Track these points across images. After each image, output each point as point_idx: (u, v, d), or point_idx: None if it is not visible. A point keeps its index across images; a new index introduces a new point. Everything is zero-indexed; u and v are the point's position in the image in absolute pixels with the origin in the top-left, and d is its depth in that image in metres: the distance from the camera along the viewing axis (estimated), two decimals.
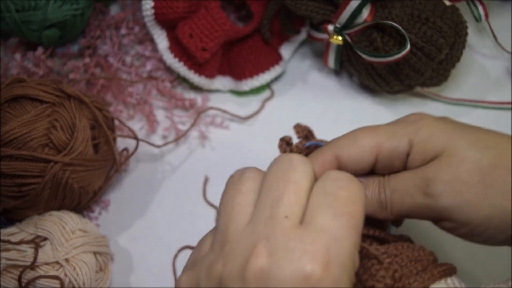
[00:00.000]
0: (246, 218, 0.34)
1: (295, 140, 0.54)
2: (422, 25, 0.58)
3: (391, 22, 0.58)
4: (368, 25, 0.59)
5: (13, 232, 0.54)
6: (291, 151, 0.52)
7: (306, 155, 0.49)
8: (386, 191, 0.43)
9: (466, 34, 0.61)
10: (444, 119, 0.44)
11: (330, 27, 0.61)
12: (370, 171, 0.44)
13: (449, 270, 0.44)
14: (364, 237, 0.46)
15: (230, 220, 0.34)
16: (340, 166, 0.42)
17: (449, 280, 0.44)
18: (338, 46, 0.63)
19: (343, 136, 0.44)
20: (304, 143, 0.52)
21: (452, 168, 0.41)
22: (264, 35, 0.66)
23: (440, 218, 0.42)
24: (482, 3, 0.64)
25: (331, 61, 0.66)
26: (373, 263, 0.42)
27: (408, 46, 0.56)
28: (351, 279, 0.33)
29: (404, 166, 0.43)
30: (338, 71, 0.69)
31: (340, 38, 0.62)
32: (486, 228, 0.41)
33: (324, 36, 0.63)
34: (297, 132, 0.56)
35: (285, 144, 0.53)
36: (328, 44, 0.64)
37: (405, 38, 0.56)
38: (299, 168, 0.35)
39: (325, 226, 0.32)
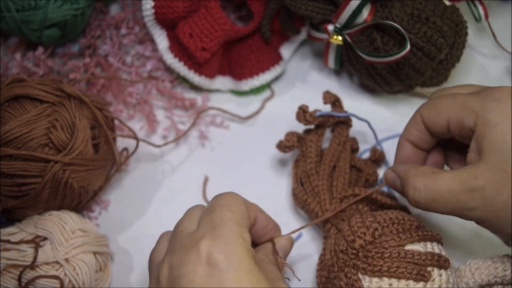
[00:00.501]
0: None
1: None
2: (422, 25, 0.58)
3: (391, 22, 0.58)
4: (368, 25, 0.59)
5: (13, 232, 0.54)
6: (305, 118, 0.59)
7: (316, 125, 0.59)
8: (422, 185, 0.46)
9: (466, 34, 0.61)
10: None
11: (330, 27, 0.62)
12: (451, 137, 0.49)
13: (430, 236, 0.48)
14: (363, 200, 0.55)
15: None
16: (424, 126, 0.50)
17: (428, 244, 0.47)
18: (338, 46, 0.63)
19: (430, 99, 0.51)
20: (315, 112, 0.58)
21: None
22: (264, 34, 0.66)
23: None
24: (482, 3, 0.64)
25: (331, 61, 0.66)
26: (357, 221, 0.48)
27: (408, 46, 0.56)
28: (243, 245, 0.43)
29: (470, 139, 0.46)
30: (338, 71, 0.69)
31: (340, 38, 0.62)
32: None
33: (324, 36, 0.63)
34: (324, 98, 0.60)
35: (302, 111, 0.59)
36: (328, 44, 0.64)
37: (405, 38, 0.56)
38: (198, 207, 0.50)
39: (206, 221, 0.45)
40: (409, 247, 0.47)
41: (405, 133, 0.51)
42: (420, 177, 0.46)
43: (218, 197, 0.48)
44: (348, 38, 0.61)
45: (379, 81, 0.63)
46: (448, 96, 0.48)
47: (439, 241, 0.49)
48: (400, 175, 0.49)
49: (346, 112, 0.60)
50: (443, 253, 0.48)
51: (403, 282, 0.45)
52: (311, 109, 0.59)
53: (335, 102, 0.60)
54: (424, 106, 0.50)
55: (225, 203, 0.46)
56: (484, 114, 0.44)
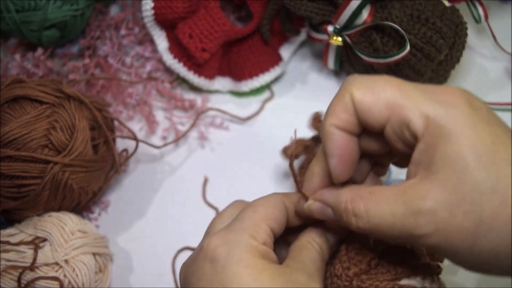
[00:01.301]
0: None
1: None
2: (422, 26, 0.58)
3: (390, 23, 0.57)
4: (368, 26, 0.59)
5: (13, 233, 0.54)
6: (317, 127, 0.58)
7: None
8: (362, 213, 0.39)
9: (466, 35, 0.61)
10: (486, 122, 0.36)
11: (330, 28, 0.61)
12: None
13: (428, 269, 0.46)
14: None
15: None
16: (356, 111, 0.39)
17: (426, 282, 0.46)
18: (338, 47, 0.63)
19: (365, 76, 0.40)
20: None
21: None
22: (263, 35, 0.66)
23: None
24: (481, 4, 0.64)
25: (331, 62, 0.66)
26: (354, 247, 0.45)
27: (408, 47, 0.56)
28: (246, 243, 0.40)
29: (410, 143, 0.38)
30: (338, 72, 0.69)
31: (339, 39, 0.62)
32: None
33: (323, 37, 0.63)
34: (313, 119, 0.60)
35: (315, 120, 0.60)
36: (327, 45, 0.64)
37: (405, 39, 0.56)
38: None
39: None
40: (404, 281, 0.45)
41: (332, 118, 0.39)
42: (359, 201, 0.38)
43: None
44: (347, 39, 0.61)
45: None
46: (391, 81, 0.38)
47: (438, 274, 0.48)
48: (331, 203, 0.41)
49: None
50: (441, 286, 0.46)
51: None
52: (315, 109, 0.59)
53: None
54: (357, 84, 0.39)
55: (255, 203, 0.43)
56: (437, 120, 0.36)
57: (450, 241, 0.36)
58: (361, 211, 0.38)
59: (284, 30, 0.66)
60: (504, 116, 0.63)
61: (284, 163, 0.64)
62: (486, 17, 0.64)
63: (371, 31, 0.59)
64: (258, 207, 0.43)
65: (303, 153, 0.60)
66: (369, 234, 0.39)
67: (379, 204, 0.37)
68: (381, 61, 0.58)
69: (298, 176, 0.59)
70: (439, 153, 0.35)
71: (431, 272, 0.46)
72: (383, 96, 0.38)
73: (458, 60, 0.62)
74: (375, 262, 0.45)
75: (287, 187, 0.62)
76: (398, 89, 0.38)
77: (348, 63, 0.64)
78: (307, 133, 0.61)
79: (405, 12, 0.59)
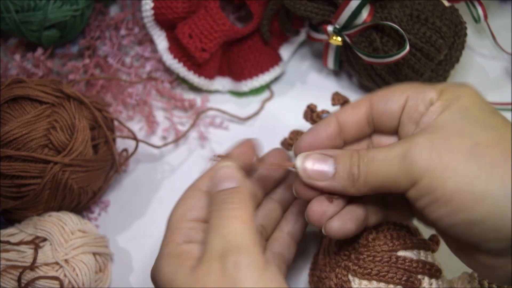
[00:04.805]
0: None
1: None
2: (421, 26, 0.58)
3: (390, 23, 0.58)
4: (367, 25, 0.59)
5: (13, 233, 0.54)
6: (312, 118, 0.58)
7: None
8: (360, 162, 0.41)
9: (465, 34, 0.61)
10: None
11: (330, 28, 0.62)
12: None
13: (424, 244, 0.48)
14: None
15: None
16: (366, 113, 0.45)
17: (422, 252, 0.47)
18: (338, 46, 0.63)
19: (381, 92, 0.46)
20: (321, 114, 0.58)
21: (439, 135, 0.39)
22: (264, 35, 0.66)
23: (412, 185, 0.39)
24: (481, 4, 0.64)
25: (331, 62, 0.66)
26: None
27: (407, 47, 0.56)
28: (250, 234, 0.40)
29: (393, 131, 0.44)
30: (337, 72, 0.69)
31: (339, 39, 0.62)
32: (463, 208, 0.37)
33: (323, 37, 0.63)
34: (333, 100, 0.59)
35: (310, 111, 0.58)
36: (327, 45, 0.64)
37: (404, 39, 0.56)
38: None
39: None
40: (401, 253, 0.47)
41: (340, 112, 0.46)
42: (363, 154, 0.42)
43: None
44: (347, 39, 0.61)
45: (379, 82, 0.63)
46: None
47: (433, 251, 0.49)
48: (332, 154, 0.43)
49: None
50: (436, 262, 0.48)
51: (392, 287, 0.45)
52: (319, 109, 0.59)
53: (344, 103, 0.60)
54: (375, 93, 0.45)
55: (173, 210, 0.47)
56: (452, 89, 0.42)
57: (441, 159, 0.38)
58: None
59: (283, 30, 0.66)
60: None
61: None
62: (486, 17, 0.65)
63: (371, 30, 0.60)
64: (174, 210, 0.45)
65: None
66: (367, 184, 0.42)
67: (379, 148, 0.41)
68: (381, 60, 0.58)
69: None
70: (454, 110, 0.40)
71: (426, 247, 0.47)
72: (398, 89, 0.44)
73: (457, 60, 0.62)
74: (372, 236, 0.47)
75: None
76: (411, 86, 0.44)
77: (347, 63, 0.64)
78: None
79: (405, 11, 0.59)
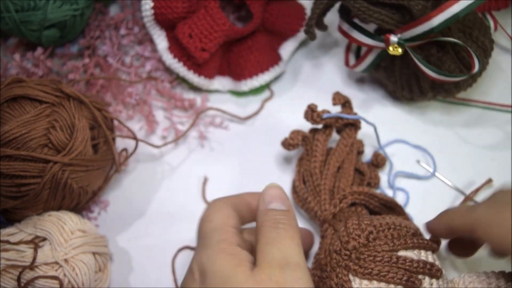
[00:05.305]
0: None
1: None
2: (472, 43, 0.58)
3: (459, 41, 0.56)
4: (429, 40, 0.58)
5: (12, 233, 0.54)
6: (313, 118, 0.58)
7: (324, 125, 0.59)
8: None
9: (492, 48, 0.61)
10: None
11: (394, 38, 0.58)
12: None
13: (424, 245, 0.48)
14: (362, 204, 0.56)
15: None
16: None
17: (422, 252, 0.47)
18: (381, 52, 0.61)
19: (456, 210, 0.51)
20: (322, 114, 0.58)
21: None
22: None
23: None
24: (493, 17, 0.64)
25: (364, 66, 0.64)
26: (353, 223, 0.48)
27: (477, 68, 0.56)
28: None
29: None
30: (337, 72, 0.69)
31: (400, 50, 0.59)
32: None
33: (373, 42, 0.60)
34: (334, 99, 0.60)
35: (310, 110, 0.58)
36: (369, 49, 0.62)
37: (467, 60, 0.56)
38: None
39: None
40: (402, 253, 0.47)
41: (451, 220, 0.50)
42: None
43: (204, 211, 0.52)
44: (410, 51, 0.58)
45: (415, 91, 0.61)
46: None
47: (434, 251, 0.49)
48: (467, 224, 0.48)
49: (355, 114, 0.59)
50: (437, 262, 0.48)
51: (392, 287, 0.45)
52: (319, 108, 0.59)
53: (345, 103, 0.60)
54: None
55: (205, 216, 0.50)
56: None
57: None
58: None
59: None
60: (504, 117, 0.64)
61: (284, 163, 0.64)
62: (496, 28, 0.64)
63: (432, 45, 0.58)
64: (211, 217, 0.49)
65: (301, 144, 0.60)
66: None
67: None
68: (444, 78, 0.57)
69: (298, 166, 0.60)
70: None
71: (427, 247, 0.47)
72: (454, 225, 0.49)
73: (485, 69, 0.62)
74: (373, 236, 0.47)
75: (287, 186, 0.62)
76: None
77: (386, 70, 0.62)
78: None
79: (459, 28, 0.58)
